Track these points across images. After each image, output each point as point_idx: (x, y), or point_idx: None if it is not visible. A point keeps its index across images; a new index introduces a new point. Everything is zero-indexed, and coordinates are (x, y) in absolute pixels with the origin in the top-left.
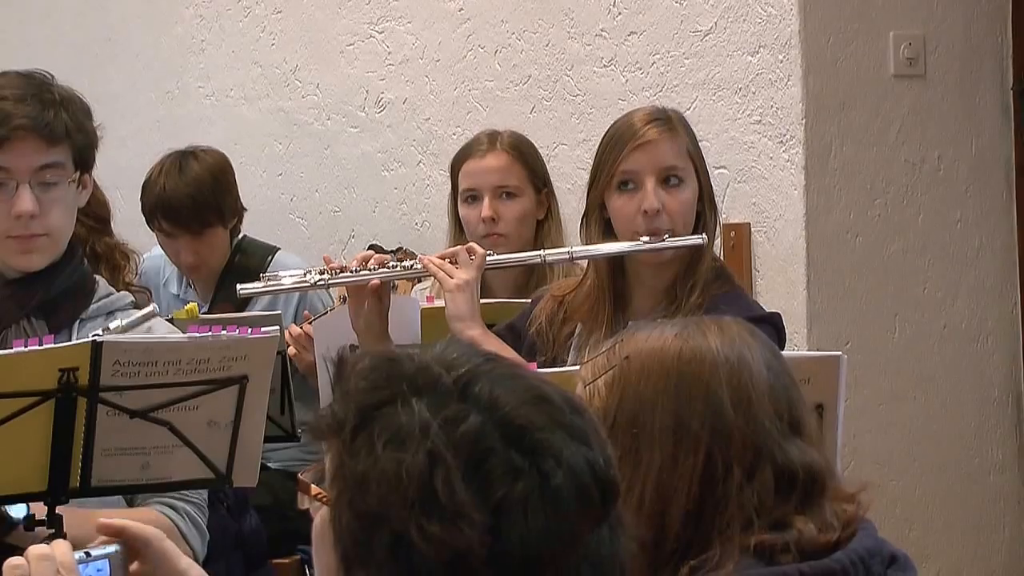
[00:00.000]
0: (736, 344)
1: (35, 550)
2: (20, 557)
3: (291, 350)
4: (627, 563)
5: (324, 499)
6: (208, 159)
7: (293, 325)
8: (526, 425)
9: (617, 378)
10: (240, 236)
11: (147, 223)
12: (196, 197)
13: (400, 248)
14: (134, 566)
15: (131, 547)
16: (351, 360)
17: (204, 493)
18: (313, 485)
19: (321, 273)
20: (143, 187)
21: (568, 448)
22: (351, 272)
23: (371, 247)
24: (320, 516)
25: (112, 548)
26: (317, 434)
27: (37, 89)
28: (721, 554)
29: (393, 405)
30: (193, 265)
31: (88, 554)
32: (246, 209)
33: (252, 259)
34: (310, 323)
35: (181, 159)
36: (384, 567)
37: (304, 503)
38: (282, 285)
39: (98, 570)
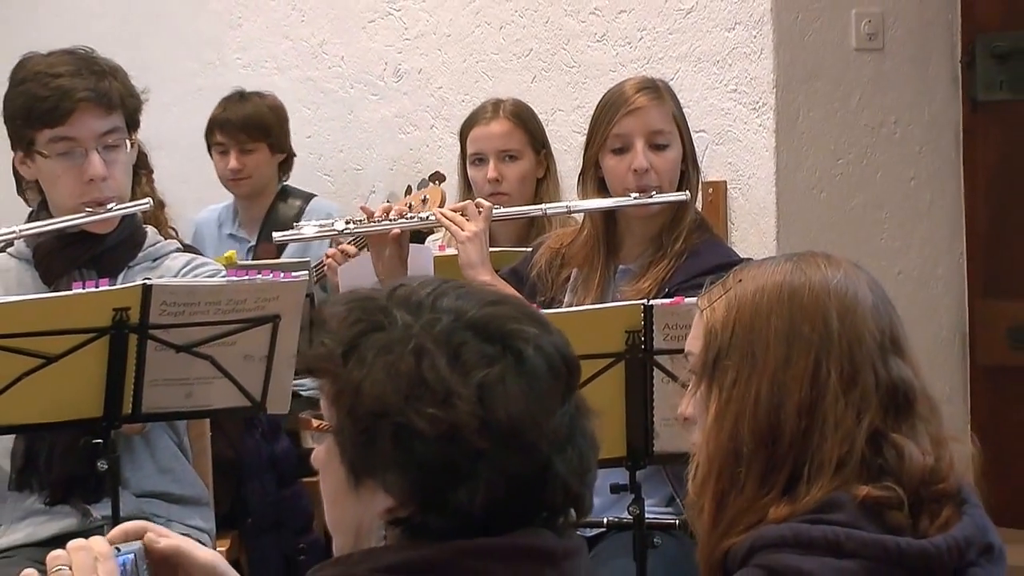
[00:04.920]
0: (843, 267)
1: (74, 543)
2: (62, 549)
3: (330, 261)
4: (596, 447)
5: (325, 427)
6: (268, 97)
7: (330, 249)
8: (490, 321)
9: (733, 298)
10: (285, 182)
11: (207, 145)
12: (251, 115)
13: (435, 173)
14: None
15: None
16: (325, 307)
17: None
18: (314, 419)
19: (347, 223)
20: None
21: (534, 331)
22: (374, 222)
23: (389, 201)
24: (323, 446)
25: (136, 545)
26: (309, 368)
27: (86, 63)
28: (819, 464)
29: (376, 326)
30: (237, 172)
31: (118, 549)
32: (295, 155)
33: (293, 203)
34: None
35: (243, 93)
36: (390, 461)
37: (308, 440)
38: (312, 234)
39: (122, 563)
